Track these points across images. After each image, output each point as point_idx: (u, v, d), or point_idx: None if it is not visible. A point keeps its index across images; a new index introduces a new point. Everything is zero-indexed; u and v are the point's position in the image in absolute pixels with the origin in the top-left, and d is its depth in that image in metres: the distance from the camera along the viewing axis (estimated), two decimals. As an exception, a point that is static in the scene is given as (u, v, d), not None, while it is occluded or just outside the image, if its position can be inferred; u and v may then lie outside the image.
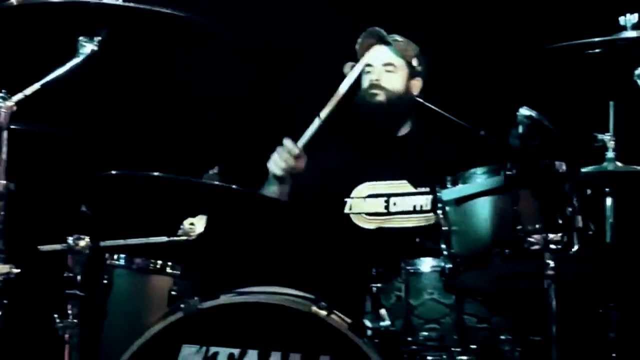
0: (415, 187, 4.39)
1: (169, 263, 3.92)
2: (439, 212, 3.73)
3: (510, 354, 3.78)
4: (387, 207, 4.42)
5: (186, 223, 3.59)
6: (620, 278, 4.22)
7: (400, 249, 4.14)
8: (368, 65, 4.68)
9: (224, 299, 3.33)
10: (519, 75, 5.00)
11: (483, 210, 3.62)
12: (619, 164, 4.04)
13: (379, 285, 3.87)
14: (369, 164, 4.64)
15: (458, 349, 3.71)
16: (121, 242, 3.59)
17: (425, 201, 4.35)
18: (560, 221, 3.53)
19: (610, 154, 4.03)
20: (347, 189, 4.55)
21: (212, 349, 3.22)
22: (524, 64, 4.81)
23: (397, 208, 4.40)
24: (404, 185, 4.43)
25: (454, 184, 3.70)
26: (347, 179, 4.59)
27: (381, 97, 4.63)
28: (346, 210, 4.50)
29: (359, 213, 4.48)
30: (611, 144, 4.05)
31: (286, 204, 4.31)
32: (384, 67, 4.68)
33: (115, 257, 3.86)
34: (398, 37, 4.71)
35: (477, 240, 3.65)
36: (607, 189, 4.07)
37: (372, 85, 4.67)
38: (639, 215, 4.67)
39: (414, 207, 4.38)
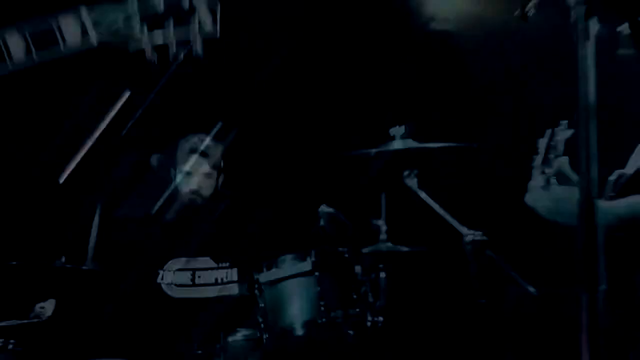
0: (217, 262, 5.01)
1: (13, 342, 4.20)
2: (256, 291, 4.48)
3: None
4: (192, 280, 5.00)
5: (38, 307, 4.29)
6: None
7: (211, 318, 4.74)
8: (188, 173, 5.27)
9: None
10: (317, 175, 5.70)
11: (293, 289, 4.39)
12: (390, 244, 4.90)
13: (199, 352, 4.55)
14: (178, 241, 5.19)
15: None
16: None
17: (224, 274, 4.99)
18: (355, 296, 4.37)
19: (383, 236, 4.91)
20: (160, 262, 5.07)
21: None
22: (321, 167, 5.60)
23: (202, 280, 4.98)
24: (206, 261, 5.02)
25: (269, 268, 4.46)
26: (159, 253, 5.10)
27: (199, 200, 5.22)
28: (158, 280, 5.01)
29: (169, 284, 5.00)
30: (384, 228, 4.91)
31: (100, 274, 4.85)
32: (204, 176, 5.23)
33: None
34: (209, 141, 5.30)
35: (285, 317, 4.41)
36: (381, 265, 4.82)
37: (193, 192, 5.24)
38: (408, 288, 5.44)
39: (216, 279, 4.98)
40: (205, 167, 5.26)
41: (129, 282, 5.00)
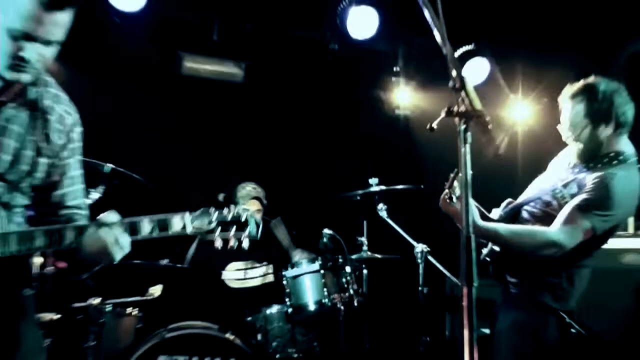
0: (260, 262, 5.27)
1: (136, 310, 4.53)
2: (284, 282, 4.73)
3: (317, 350, 4.75)
4: (244, 275, 5.22)
5: (151, 289, 4.65)
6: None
7: (256, 299, 5.02)
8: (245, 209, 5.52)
9: (180, 331, 4.23)
10: (322, 209, 5.82)
11: (307, 281, 4.69)
12: (369, 253, 5.10)
13: (249, 318, 4.81)
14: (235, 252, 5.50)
15: (293, 350, 4.70)
16: (119, 300, 4.48)
17: (264, 271, 5.22)
18: (344, 286, 4.64)
19: (365, 248, 5.12)
20: (224, 265, 5.29)
21: (176, 357, 4.12)
22: (324, 204, 5.77)
23: (250, 275, 5.22)
24: (253, 262, 5.27)
25: (292, 267, 4.75)
26: (224, 260, 5.32)
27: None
28: (222, 277, 5.23)
29: (230, 279, 5.22)
30: (365, 242, 5.13)
31: (190, 271, 5.07)
32: (256, 211, 5.27)
33: (107, 307, 4.35)
34: (257, 187, 5.41)
35: (302, 298, 4.66)
36: (364, 266, 5.11)
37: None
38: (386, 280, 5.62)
39: (259, 273, 5.22)
40: (258, 205, 5.37)
41: (207, 277, 5.21)
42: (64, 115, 2.63)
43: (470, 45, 6.16)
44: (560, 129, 3.69)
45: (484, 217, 3.70)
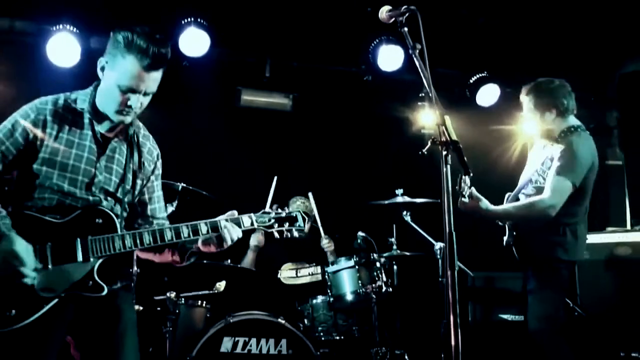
0: (309, 263, 5.57)
1: (204, 302, 4.82)
2: (327, 277, 5.04)
3: (355, 333, 4.99)
4: (296, 274, 5.54)
5: (217, 284, 4.99)
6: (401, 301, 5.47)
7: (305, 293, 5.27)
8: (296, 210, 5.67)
9: (241, 317, 4.49)
10: (357, 215, 6.05)
11: (345, 275, 4.99)
12: (398, 251, 5.36)
13: (299, 308, 5.17)
14: (288, 254, 5.73)
15: (335, 333, 5.00)
16: (191, 294, 4.84)
17: (312, 270, 5.52)
18: (376, 278, 4.92)
19: (394, 247, 5.37)
20: (279, 266, 5.60)
21: (237, 338, 4.37)
22: (359, 211, 5.96)
23: (301, 274, 5.53)
24: (303, 263, 5.57)
25: (332, 265, 5.07)
26: (277, 261, 5.64)
27: (303, 234, 5.68)
28: (278, 276, 5.53)
29: (284, 277, 5.53)
30: (394, 242, 5.40)
31: (254, 272, 5.40)
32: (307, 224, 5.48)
33: (182, 300, 4.69)
34: (305, 200, 5.71)
35: (342, 289, 4.98)
36: (394, 262, 5.37)
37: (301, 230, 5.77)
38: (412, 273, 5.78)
39: (308, 272, 5.51)
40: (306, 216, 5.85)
41: (264, 275, 5.51)
42: (152, 149, 3.19)
43: (483, 73, 6.58)
44: (525, 123, 4.49)
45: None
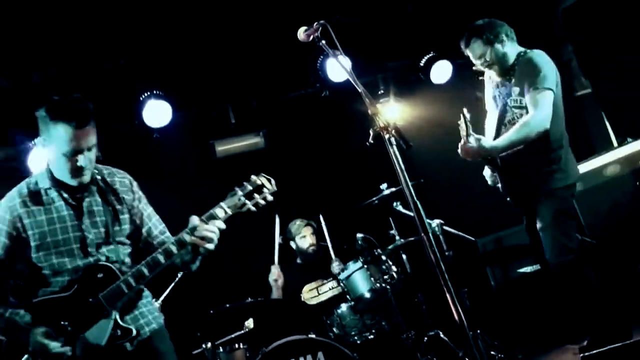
0: (326, 279, 5.73)
1: (240, 343, 5.12)
2: (342, 284, 5.37)
3: (385, 327, 5.31)
4: (318, 292, 5.75)
5: (246, 323, 5.36)
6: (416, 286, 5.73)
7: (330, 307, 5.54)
8: (303, 237, 6.21)
9: (274, 345, 4.84)
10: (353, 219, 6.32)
11: (357, 277, 5.32)
12: (402, 240, 5.63)
13: (328, 321, 5.47)
14: (304, 277, 6.04)
15: (367, 333, 5.30)
16: (225, 339, 5.25)
17: (330, 285, 5.68)
18: (386, 270, 5.27)
19: (397, 238, 5.69)
20: (301, 287, 5.85)
21: None
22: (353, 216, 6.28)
23: (322, 290, 5.74)
24: (321, 281, 5.79)
25: (342, 271, 5.39)
26: (296, 286, 5.93)
27: (313, 250, 6.19)
28: (302, 299, 5.75)
29: (307, 298, 5.75)
30: (396, 234, 5.74)
31: (276, 302, 5.80)
32: (311, 236, 6.14)
33: (219, 348, 5.06)
34: (302, 219, 6.16)
35: (358, 291, 5.28)
36: (401, 251, 5.71)
37: (311, 245, 6.17)
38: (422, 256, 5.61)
39: (329, 288, 5.67)
40: (311, 229, 6.12)
41: (288, 303, 5.88)
42: (122, 180, 3.42)
43: (431, 54, 7.10)
44: (478, 67, 4.71)
45: None
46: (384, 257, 5.40)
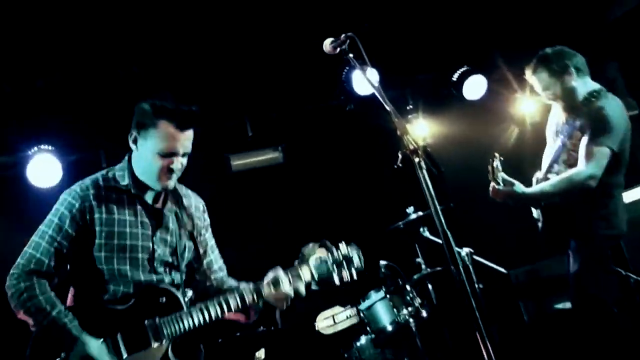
0: (344, 306, 5.59)
1: None
2: (361, 314, 5.29)
3: None
4: (334, 321, 5.53)
5: (257, 353, 5.17)
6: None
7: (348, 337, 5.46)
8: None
9: None
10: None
11: (378, 308, 5.27)
12: (428, 269, 5.61)
13: (345, 354, 5.39)
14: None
15: None
16: None
17: (349, 313, 5.57)
18: (410, 302, 5.19)
19: (423, 267, 5.67)
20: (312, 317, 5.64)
21: None
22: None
23: (338, 319, 5.54)
24: (337, 308, 5.63)
25: (363, 300, 5.34)
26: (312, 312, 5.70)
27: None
28: (316, 328, 5.54)
29: (322, 327, 5.57)
30: (422, 262, 5.71)
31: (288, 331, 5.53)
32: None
33: None
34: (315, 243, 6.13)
35: (380, 322, 5.22)
36: (427, 281, 5.63)
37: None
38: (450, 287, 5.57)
39: (346, 316, 5.50)
40: (324, 251, 6.01)
41: (300, 333, 5.68)
42: (197, 204, 3.47)
43: (464, 68, 6.92)
44: (542, 98, 4.56)
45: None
46: (408, 288, 5.33)
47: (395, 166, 3.22)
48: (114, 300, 3.09)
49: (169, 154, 3.11)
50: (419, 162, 3.04)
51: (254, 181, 7.01)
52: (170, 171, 3.14)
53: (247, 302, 3.18)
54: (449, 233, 2.99)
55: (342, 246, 3.41)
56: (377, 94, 3.24)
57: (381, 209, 6.73)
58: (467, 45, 6.75)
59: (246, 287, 3.23)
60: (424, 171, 3.05)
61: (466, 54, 6.88)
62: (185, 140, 3.14)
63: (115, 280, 3.11)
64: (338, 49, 3.37)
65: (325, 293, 5.72)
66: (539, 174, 4.59)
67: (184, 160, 3.19)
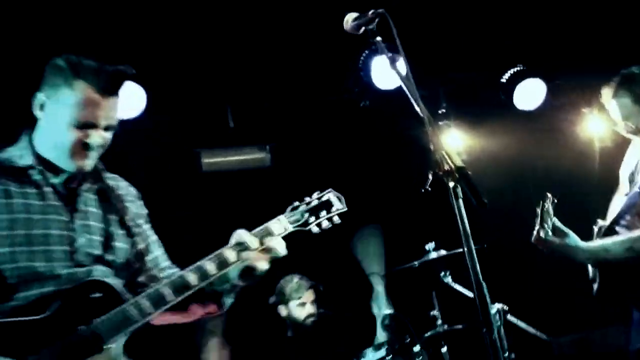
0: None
1: None
2: None
3: None
4: None
5: None
6: None
7: None
8: (301, 303, 6.07)
9: None
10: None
11: None
12: (445, 326, 5.61)
13: None
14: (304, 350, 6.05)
15: None
16: None
17: None
18: None
19: (439, 322, 5.66)
20: None
21: None
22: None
23: None
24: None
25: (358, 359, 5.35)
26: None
27: (311, 321, 6.08)
28: None
29: None
30: (438, 315, 5.69)
31: None
32: (312, 304, 6.04)
33: None
34: (301, 277, 6.14)
35: None
36: (442, 342, 5.61)
37: (310, 315, 6.06)
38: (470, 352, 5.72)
39: None
40: (312, 294, 6.02)
41: None
42: (129, 187, 3.44)
43: (518, 67, 6.95)
44: (618, 129, 4.54)
45: None
46: (417, 348, 5.35)
47: (423, 189, 3.37)
48: (25, 309, 2.93)
49: (86, 125, 3.05)
50: (454, 188, 3.02)
51: (229, 186, 7.05)
52: (86, 147, 3.07)
53: (208, 274, 3.12)
54: (484, 285, 2.98)
55: (316, 193, 3.54)
56: (406, 90, 3.24)
57: (394, 240, 6.82)
58: (524, 38, 6.78)
59: (203, 260, 3.18)
60: (460, 200, 3.02)
61: (522, 49, 6.92)
62: (110, 109, 3.09)
63: (24, 282, 2.98)
64: (363, 29, 3.38)
65: (308, 346, 6.06)
66: (602, 223, 4.59)
67: (107, 136, 3.13)
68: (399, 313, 5.55)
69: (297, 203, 3.46)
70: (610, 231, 4.53)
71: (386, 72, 6.48)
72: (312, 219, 3.44)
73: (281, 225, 3.33)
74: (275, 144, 7.17)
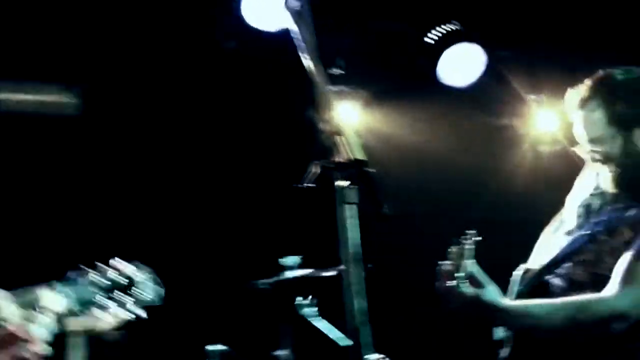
0: None
1: None
2: None
3: None
4: None
5: None
6: None
7: None
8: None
9: None
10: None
11: None
12: None
13: None
14: None
15: None
16: None
17: None
18: None
19: None
20: None
21: None
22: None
23: None
24: None
25: None
26: None
27: None
28: None
29: None
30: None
31: None
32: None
33: None
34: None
35: None
36: None
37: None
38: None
39: None
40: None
41: None
42: None
43: (452, 25, 7.03)
44: (579, 150, 4.41)
45: None
46: None
47: (300, 185, 3.26)
48: None
49: None
50: (345, 190, 3.11)
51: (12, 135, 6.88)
52: None
53: None
54: (367, 328, 3.09)
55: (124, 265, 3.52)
56: (296, 33, 3.35)
57: (240, 246, 6.86)
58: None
59: None
60: (353, 207, 3.09)
61: (462, 6, 6.97)
62: None
63: None
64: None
65: None
66: (524, 269, 4.54)
67: None
68: (233, 349, 5.48)
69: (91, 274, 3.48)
70: (538, 279, 4.48)
71: (268, 5, 6.45)
72: (104, 301, 3.45)
73: (58, 299, 3.36)
74: (88, 85, 7.06)
